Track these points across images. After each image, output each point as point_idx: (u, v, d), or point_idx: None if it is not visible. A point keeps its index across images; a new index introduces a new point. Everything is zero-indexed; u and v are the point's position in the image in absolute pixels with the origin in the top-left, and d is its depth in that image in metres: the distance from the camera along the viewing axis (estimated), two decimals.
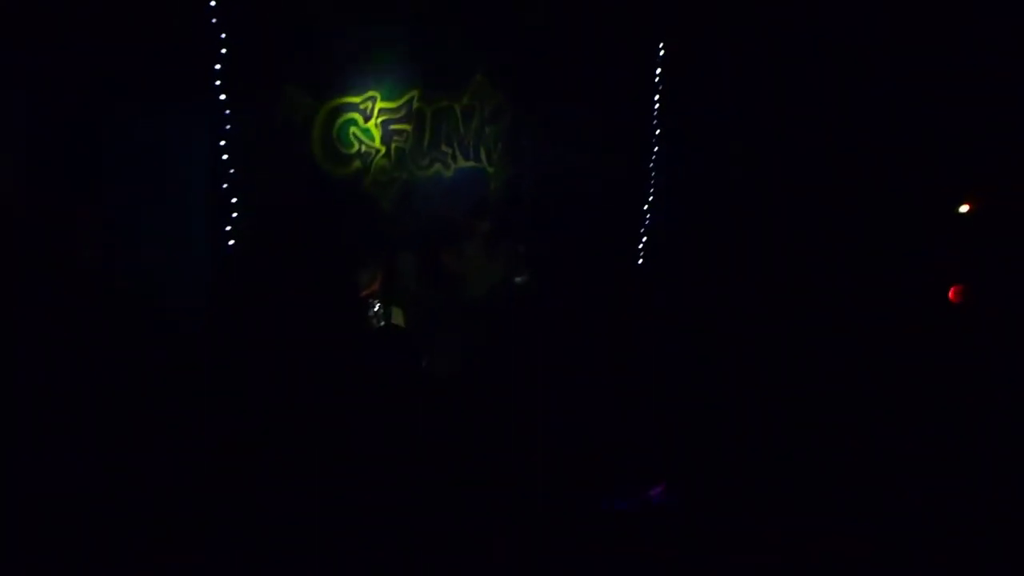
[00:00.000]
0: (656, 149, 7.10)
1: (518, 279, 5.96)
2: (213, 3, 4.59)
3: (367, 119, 5.46)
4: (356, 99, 5.36)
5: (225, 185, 4.79)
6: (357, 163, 5.48)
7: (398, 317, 5.37)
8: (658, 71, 6.99)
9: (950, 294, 5.49)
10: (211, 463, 3.71)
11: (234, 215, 4.83)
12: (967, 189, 6.07)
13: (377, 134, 5.54)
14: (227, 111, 4.72)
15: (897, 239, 6.23)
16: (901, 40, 6.28)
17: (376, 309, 5.07)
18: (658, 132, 7.11)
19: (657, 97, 7.05)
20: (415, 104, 5.71)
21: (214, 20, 4.61)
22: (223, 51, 4.65)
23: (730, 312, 5.92)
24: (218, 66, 4.66)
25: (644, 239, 7.18)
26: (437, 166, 5.99)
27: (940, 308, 5.53)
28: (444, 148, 6.01)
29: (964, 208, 5.82)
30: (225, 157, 4.75)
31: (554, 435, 4.72)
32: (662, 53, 7.00)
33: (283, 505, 3.60)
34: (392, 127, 5.62)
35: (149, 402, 3.97)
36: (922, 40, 6.21)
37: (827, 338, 5.56)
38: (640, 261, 7.09)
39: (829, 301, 5.94)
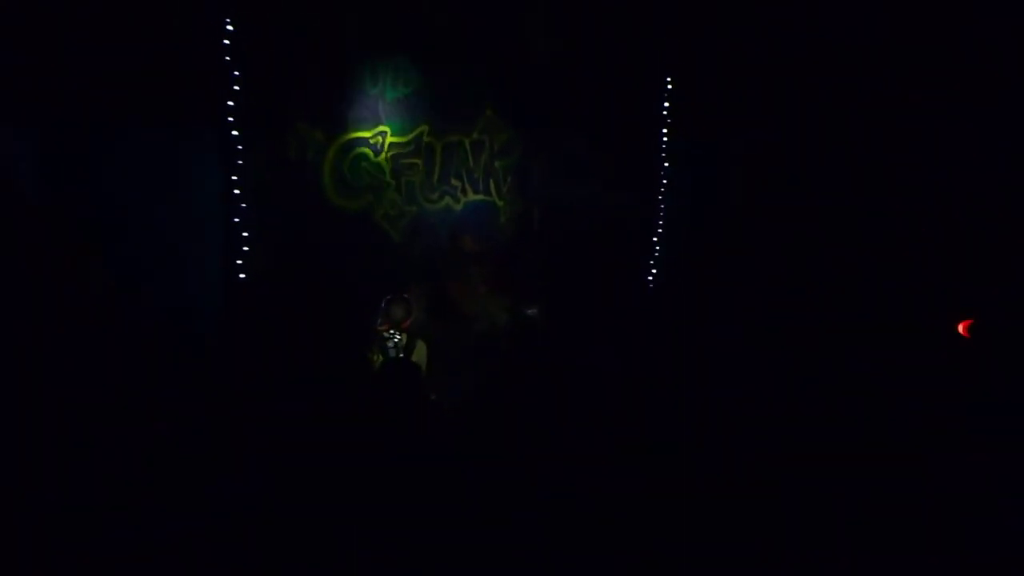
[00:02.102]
0: (664, 181, 7.13)
1: (528, 311, 5.96)
2: (227, 41, 4.67)
3: (378, 153, 5.53)
4: (367, 134, 5.43)
5: (237, 219, 4.84)
6: (368, 197, 5.53)
7: (420, 350, 5.36)
8: (666, 104, 7.05)
9: (960, 329, 5.42)
10: (217, 492, 3.70)
11: (245, 248, 4.87)
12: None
13: (388, 168, 5.60)
14: (240, 146, 4.78)
15: (911, 263, 6.22)
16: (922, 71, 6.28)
17: (397, 341, 5.04)
18: (666, 164, 7.15)
19: (665, 130, 7.10)
20: (425, 138, 5.78)
21: (228, 58, 4.69)
22: (236, 87, 4.73)
23: (743, 341, 5.90)
24: (231, 102, 4.74)
25: (654, 270, 7.19)
26: (447, 199, 6.04)
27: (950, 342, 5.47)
28: (454, 182, 6.06)
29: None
30: (237, 191, 4.81)
31: (569, 469, 4.66)
32: (669, 87, 7.07)
33: (287, 528, 3.58)
34: (402, 161, 5.68)
35: (160, 430, 3.98)
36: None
37: (839, 363, 5.53)
38: (650, 292, 7.09)
39: (840, 324, 5.91)
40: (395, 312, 5.02)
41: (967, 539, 3.92)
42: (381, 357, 4.86)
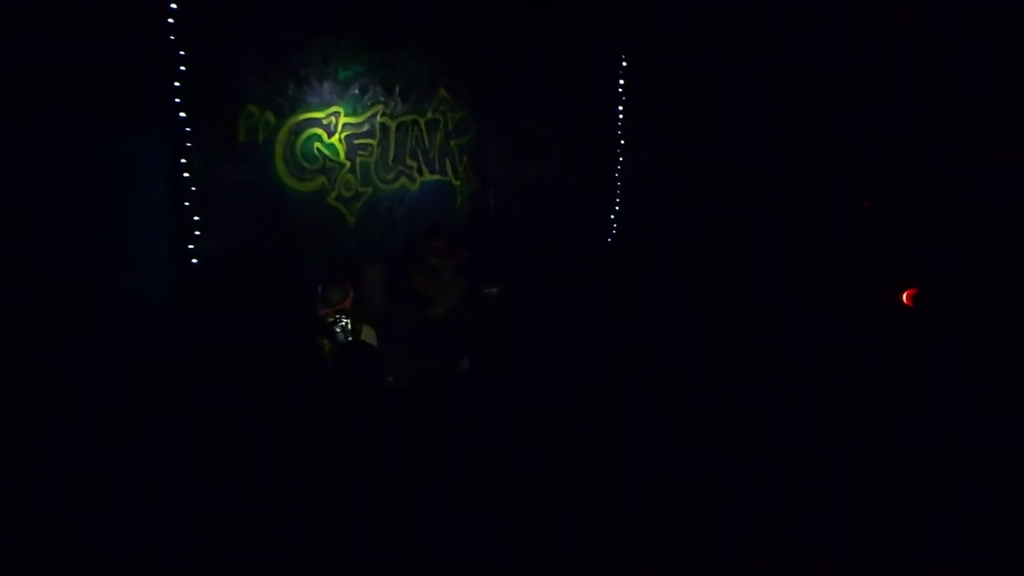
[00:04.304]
0: (620, 158, 7.17)
1: (486, 291, 5.96)
2: (172, 20, 4.54)
3: (331, 134, 5.44)
4: (320, 114, 5.34)
5: (187, 203, 4.74)
6: (322, 179, 5.46)
7: (367, 334, 5.33)
8: (620, 81, 7.07)
9: (904, 298, 5.57)
10: (167, 483, 3.65)
11: (196, 232, 4.79)
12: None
13: (341, 149, 5.52)
14: (188, 128, 4.67)
15: (859, 232, 6.38)
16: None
17: (344, 325, 5.02)
18: (622, 142, 7.18)
19: (620, 107, 7.13)
20: (379, 118, 5.71)
21: (173, 37, 4.57)
22: (182, 68, 4.61)
23: (700, 316, 6.00)
24: (178, 83, 4.62)
25: (611, 249, 7.24)
26: (403, 180, 5.99)
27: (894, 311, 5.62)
28: (409, 162, 6.01)
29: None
30: (186, 175, 4.71)
31: (528, 450, 4.70)
32: (624, 64, 7.08)
33: (241, 521, 3.55)
34: (356, 142, 5.61)
35: (106, 422, 3.91)
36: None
37: (788, 331, 5.67)
38: (606, 269, 7.14)
39: (790, 296, 6.05)
40: (332, 296, 4.98)
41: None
42: (329, 343, 4.83)
